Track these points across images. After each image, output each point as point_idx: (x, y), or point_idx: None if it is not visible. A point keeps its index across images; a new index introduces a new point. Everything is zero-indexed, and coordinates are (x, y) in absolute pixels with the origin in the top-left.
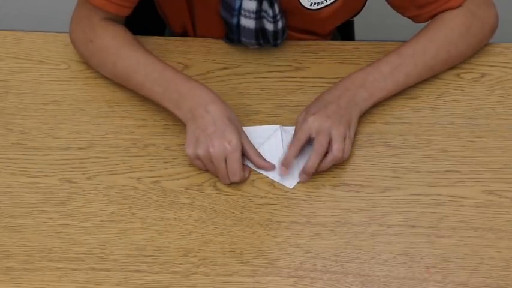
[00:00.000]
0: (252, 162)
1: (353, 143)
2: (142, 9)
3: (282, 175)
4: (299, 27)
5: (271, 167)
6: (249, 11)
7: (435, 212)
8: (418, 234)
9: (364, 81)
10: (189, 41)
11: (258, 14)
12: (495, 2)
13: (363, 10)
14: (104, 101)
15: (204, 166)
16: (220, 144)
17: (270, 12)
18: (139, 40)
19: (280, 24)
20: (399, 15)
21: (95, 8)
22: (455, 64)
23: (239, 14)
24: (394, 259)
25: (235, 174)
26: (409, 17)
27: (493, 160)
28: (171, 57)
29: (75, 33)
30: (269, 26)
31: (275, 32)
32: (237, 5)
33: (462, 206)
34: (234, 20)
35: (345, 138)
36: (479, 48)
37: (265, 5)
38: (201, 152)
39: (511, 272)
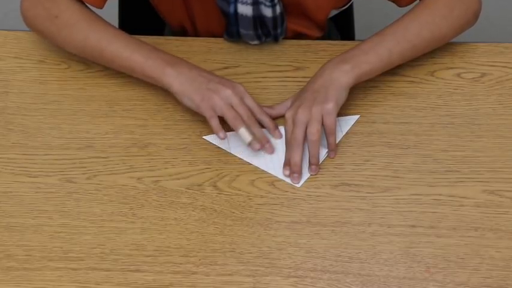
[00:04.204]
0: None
1: (353, 143)
2: (142, 9)
3: (293, 180)
4: (295, 12)
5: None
6: None
7: (435, 212)
8: (418, 234)
9: (343, 58)
10: (189, 41)
11: None
12: (496, 2)
13: (362, 10)
14: (104, 101)
15: (219, 123)
16: (231, 84)
17: None
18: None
19: (278, 9)
20: (399, 15)
21: None
22: (437, 46)
23: (236, 1)
24: (394, 259)
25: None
26: (391, 1)
27: (493, 160)
28: None
29: (34, 10)
30: (267, 12)
31: (274, 18)
32: None
33: (462, 205)
34: (231, 8)
35: (322, 116)
36: (462, 32)
37: None
38: (217, 101)
39: (511, 272)
